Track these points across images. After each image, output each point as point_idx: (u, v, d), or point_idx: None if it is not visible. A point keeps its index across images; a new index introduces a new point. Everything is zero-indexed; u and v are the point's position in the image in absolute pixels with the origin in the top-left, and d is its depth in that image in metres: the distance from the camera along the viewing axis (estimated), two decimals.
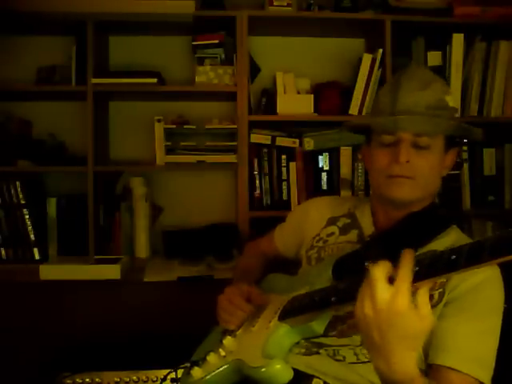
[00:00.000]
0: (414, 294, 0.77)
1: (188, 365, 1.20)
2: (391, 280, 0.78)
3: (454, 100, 1.18)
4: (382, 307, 0.77)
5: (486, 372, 1.01)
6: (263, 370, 0.99)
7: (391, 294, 0.76)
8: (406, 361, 0.81)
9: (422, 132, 1.12)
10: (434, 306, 1.05)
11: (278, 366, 0.99)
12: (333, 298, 0.94)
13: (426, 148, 1.13)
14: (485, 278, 1.05)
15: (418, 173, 1.13)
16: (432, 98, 1.13)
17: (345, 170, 2.18)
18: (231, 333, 1.19)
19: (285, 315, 1.08)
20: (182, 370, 1.23)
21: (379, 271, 0.78)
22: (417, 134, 1.12)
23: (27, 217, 2.10)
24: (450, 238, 1.14)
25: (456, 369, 0.99)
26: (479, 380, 1.00)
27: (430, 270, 0.76)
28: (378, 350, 0.81)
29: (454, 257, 0.74)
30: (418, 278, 0.76)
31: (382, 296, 0.77)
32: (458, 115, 1.18)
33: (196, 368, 1.15)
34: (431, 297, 1.06)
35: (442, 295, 1.06)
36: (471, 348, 1.01)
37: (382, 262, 0.80)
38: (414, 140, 1.12)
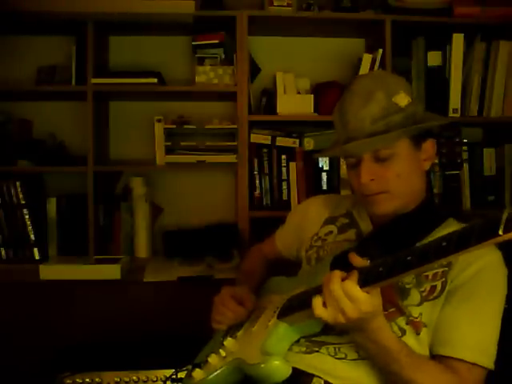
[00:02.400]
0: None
1: (189, 367, 1.21)
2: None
3: (406, 95, 1.12)
4: (351, 315, 0.91)
5: (490, 358, 1.03)
6: (262, 366, 1.00)
7: (353, 305, 0.90)
8: (381, 326, 0.96)
9: (374, 149, 1.11)
10: (437, 297, 1.06)
11: (277, 362, 0.99)
12: None
13: (388, 158, 1.11)
14: (486, 264, 1.06)
15: (389, 185, 1.12)
16: (376, 110, 1.09)
17: (345, 170, 2.15)
18: (232, 334, 1.20)
19: (283, 313, 1.08)
20: (184, 372, 1.24)
21: (337, 284, 0.91)
22: (374, 150, 1.11)
23: (27, 217, 2.10)
24: (449, 229, 1.14)
25: (463, 359, 1.01)
26: (485, 367, 1.02)
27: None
28: (356, 330, 0.97)
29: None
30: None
31: (348, 309, 0.91)
32: (415, 104, 1.14)
33: (197, 370, 1.16)
34: (434, 287, 1.07)
35: (444, 284, 1.07)
36: (476, 337, 1.02)
37: (334, 274, 0.93)
38: (374, 155, 1.11)
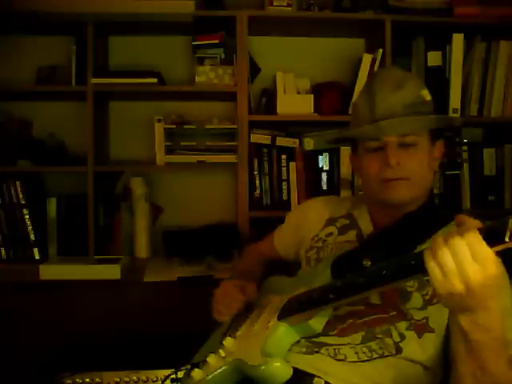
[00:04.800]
0: None
1: (188, 367, 1.21)
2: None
3: (428, 93, 1.18)
4: (476, 284, 0.75)
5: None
6: (263, 368, 0.99)
7: (479, 265, 0.74)
8: (493, 312, 0.81)
9: (405, 132, 1.14)
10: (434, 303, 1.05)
11: (278, 364, 0.99)
12: (331, 295, 0.95)
13: (413, 145, 1.15)
14: None
15: (410, 172, 1.15)
16: (408, 97, 1.14)
17: (345, 170, 2.18)
18: (231, 334, 1.19)
19: (284, 314, 1.08)
20: (183, 372, 1.23)
21: (464, 243, 0.74)
22: (401, 135, 1.14)
23: (27, 217, 2.10)
24: None
25: None
26: None
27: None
28: (467, 309, 0.80)
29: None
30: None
31: (473, 273, 0.74)
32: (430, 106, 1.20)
33: (196, 370, 1.15)
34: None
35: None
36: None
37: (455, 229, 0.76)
38: (400, 140, 1.14)
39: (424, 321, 1.05)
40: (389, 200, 1.17)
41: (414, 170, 1.15)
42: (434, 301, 1.05)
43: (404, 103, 1.13)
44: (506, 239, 0.69)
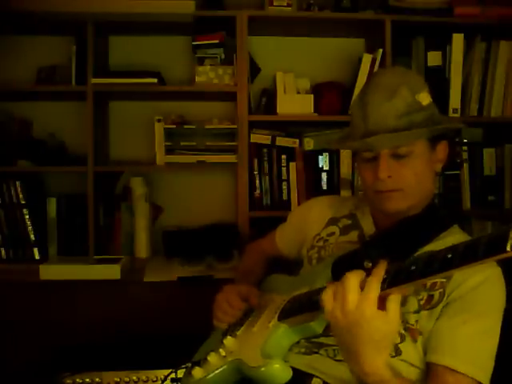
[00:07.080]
0: (385, 298, 0.83)
1: (189, 365, 1.21)
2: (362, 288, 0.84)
3: (428, 95, 1.13)
4: (350, 310, 0.83)
5: (483, 372, 1.00)
6: (262, 369, 0.99)
7: (359, 300, 0.83)
8: (375, 362, 0.86)
9: (396, 145, 1.10)
10: (434, 307, 1.05)
11: (277, 366, 0.99)
12: None
13: (407, 155, 1.11)
14: (485, 278, 1.05)
15: (404, 184, 1.12)
16: (401, 105, 1.09)
17: (345, 169, 2.18)
18: (232, 333, 1.19)
19: (284, 315, 1.08)
20: (183, 370, 1.23)
21: (354, 278, 0.85)
22: (393, 147, 1.10)
23: (27, 217, 2.10)
24: (452, 238, 1.13)
25: (452, 368, 0.99)
26: (476, 380, 0.99)
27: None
28: (349, 352, 0.88)
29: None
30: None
31: (351, 301, 0.83)
32: (432, 108, 1.16)
33: (197, 368, 1.15)
34: (431, 297, 1.06)
35: (442, 295, 1.05)
36: (469, 348, 1.00)
37: (357, 270, 0.86)
38: (393, 151, 1.11)
39: (416, 324, 1.05)
40: (384, 210, 1.16)
41: (407, 181, 1.12)
42: (427, 306, 1.05)
43: (397, 113, 1.08)
44: (508, 249, 0.68)
